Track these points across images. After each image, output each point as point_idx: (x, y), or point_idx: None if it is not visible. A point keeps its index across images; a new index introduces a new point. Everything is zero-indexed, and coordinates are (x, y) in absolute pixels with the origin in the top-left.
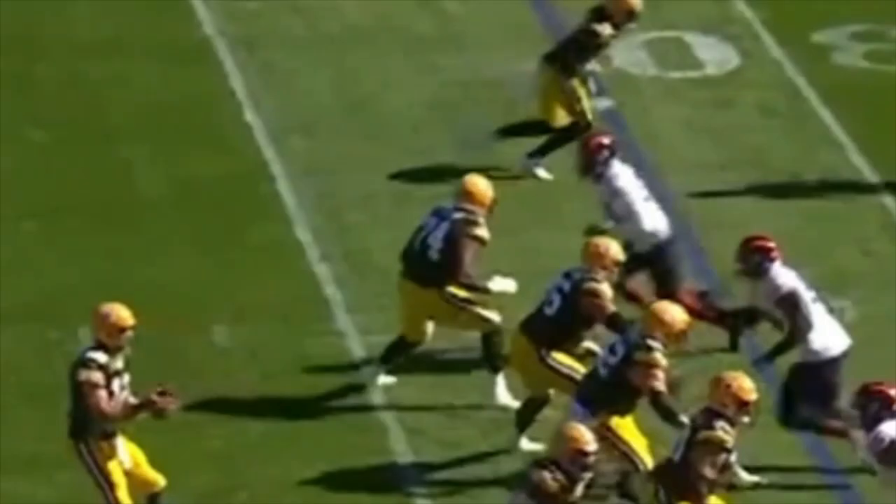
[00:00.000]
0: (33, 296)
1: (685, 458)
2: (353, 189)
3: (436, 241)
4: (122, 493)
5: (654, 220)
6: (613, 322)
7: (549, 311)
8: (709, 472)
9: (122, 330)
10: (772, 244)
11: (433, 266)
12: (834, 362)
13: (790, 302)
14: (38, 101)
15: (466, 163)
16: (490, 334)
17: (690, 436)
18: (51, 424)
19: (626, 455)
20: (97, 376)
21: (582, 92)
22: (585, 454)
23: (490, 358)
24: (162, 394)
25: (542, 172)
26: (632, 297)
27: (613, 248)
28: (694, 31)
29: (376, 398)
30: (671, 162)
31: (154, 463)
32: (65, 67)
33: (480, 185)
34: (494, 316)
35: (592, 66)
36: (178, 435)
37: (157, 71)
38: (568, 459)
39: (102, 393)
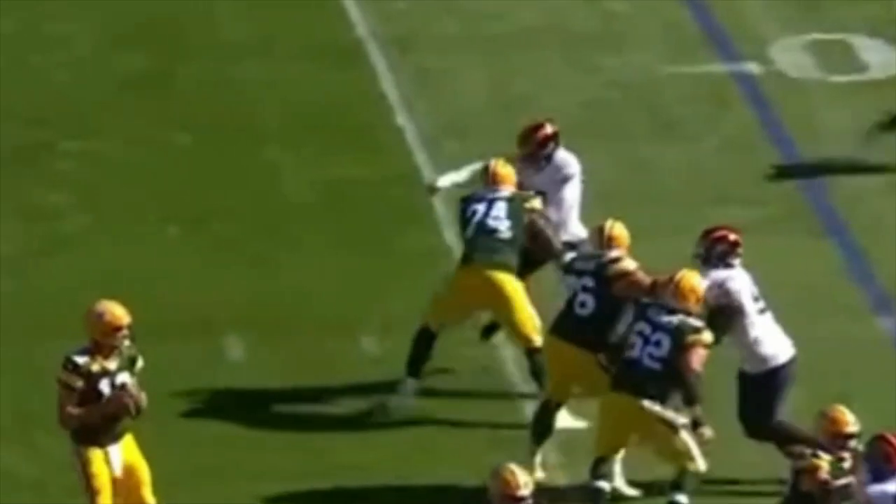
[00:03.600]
0: (177, 302)
1: (794, 489)
2: None
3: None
4: (102, 500)
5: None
6: (655, 290)
7: (584, 311)
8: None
9: (117, 329)
10: (737, 238)
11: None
12: (779, 371)
13: (727, 313)
14: (183, 104)
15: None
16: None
17: (794, 467)
18: (203, 433)
19: (688, 453)
20: (72, 379)
21: None
22: (516, 500)
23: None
24: (120, 393)
25: None
26: None
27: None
28: (859, 33)
29: (529, 412)
30: (832, 166)
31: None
32: (210, 69)
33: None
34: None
35: None
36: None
37: (305, 72)
38: (498, 502)
39: (72, 398)
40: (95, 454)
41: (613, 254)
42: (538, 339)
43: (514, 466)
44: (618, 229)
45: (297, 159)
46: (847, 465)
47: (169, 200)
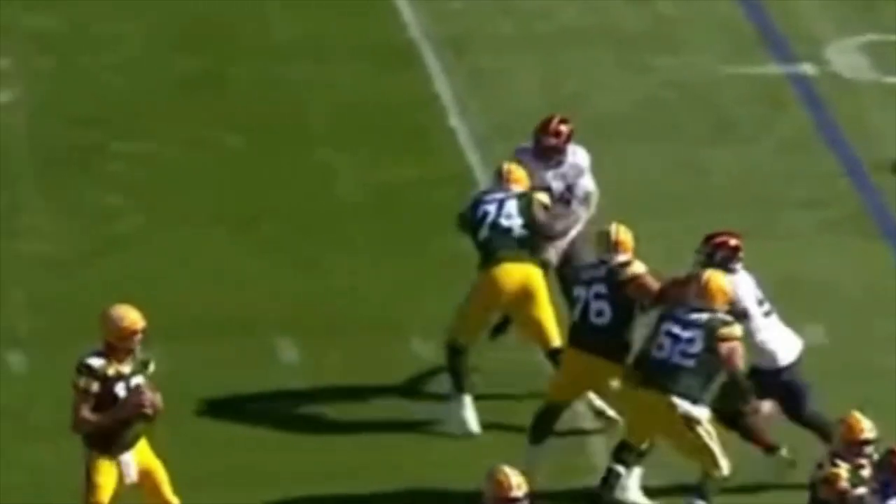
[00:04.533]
0: (227, 304)
1: (813, 497)
2: None
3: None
4: None
5: None
6: (665, 297)
7: (601, 320)
8: None
9: (134, 333)
10: (738, 243)
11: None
12: (788, 370)
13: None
14: (234, 105)
15: None
16: (556, 353)
17: (813, 476)
18: (252, 435)
19: (712, 456)
20: (88, 382)
21: None
22: (510, 501)
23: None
24: (136, 395)
25: None
26: None
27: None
28: None
29: (587, 423)
30: (887, 167)
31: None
32: (262, 70)
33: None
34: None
35: None
36: (378, 446)
37: (357, 73)
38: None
39: (87, 403)
40: (104, 465)
41: (621, 258)
42: (558, 339)
43: (507, 468)
44: (623, 233)
45: (348, 160)
46: (865, 473)
47: (220, 201)
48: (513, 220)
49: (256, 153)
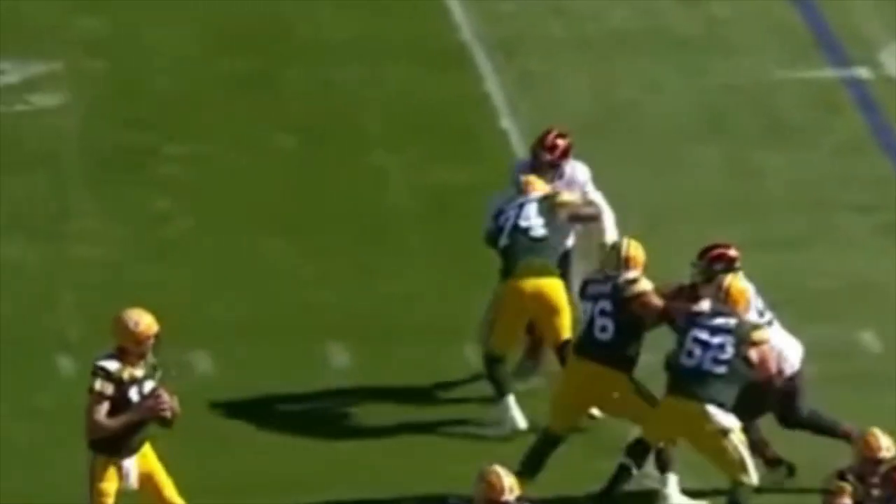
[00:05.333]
0: (277, 309)
1: None
2: (611, 200)
3: None
4: None
5: None
6: (669, 316)
7: (604, 336)
8: None
9: (149, 337)
10: (736, 254)
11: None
12: (791, 379)
13: None
14: (286, 106)
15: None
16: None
17: (823, 486)
18: (305, 439)
19: (742, 464)
20: (107, 387)
21: None
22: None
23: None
24: (155, 399)
25: None
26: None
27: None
28: None
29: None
30: None
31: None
32: (314, 71)
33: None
34: None
35: None
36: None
37: (408, 74)
38: None
39: (104, 406)
40: (108, 470)
41: (630, 275)
42: (569, 333)
43: (500, 469)
44: (633, 249)
45: (400, 162)
46: (877, 492)
47: (272, 204)
48: (531, 220)
49: (308, 155)
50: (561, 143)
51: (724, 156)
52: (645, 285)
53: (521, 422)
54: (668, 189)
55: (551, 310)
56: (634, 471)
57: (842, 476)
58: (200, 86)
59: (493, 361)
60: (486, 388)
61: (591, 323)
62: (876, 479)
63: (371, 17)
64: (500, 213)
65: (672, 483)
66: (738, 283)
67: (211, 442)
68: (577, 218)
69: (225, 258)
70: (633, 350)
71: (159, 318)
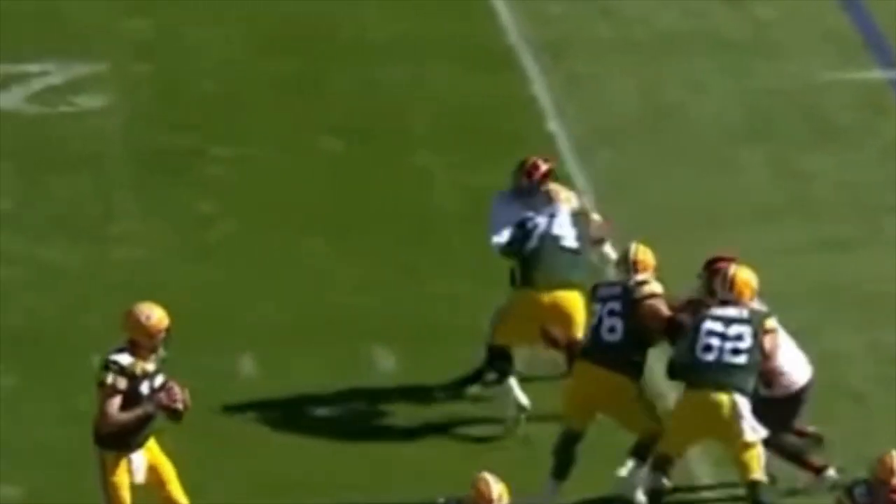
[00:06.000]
0: (323, 311)
1: None
2: (657, 201)
3: None
4: None
5: None
6: (675, 325)
7: (612, 337)
8: None
9: (160, 331)
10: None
11: None
12: (798, 394)
13: None
14: (332, 108)
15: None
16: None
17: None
18: (349, 447)
19: (760, 461)
20: (119, 381)
21: None
22: None
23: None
24: (167, 392)
25: None
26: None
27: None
28: None
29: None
30: None
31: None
32: (359, 72)
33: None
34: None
35: None
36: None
37: (454, 76)
38: None
39: (116, 400)
40: (118, 463)
41: (638, 277)
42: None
43: (489, 476)
44: (642, 253)
45: (445, 164)
46: None
47: (316, 206)
48: (564, 229)
49: (353, 156)
50: (543, 167)
51: (770, 157)
52: (655, 287)
53: (523, 399)
54: (714, 191)
55: (566, 319)
56: (666, 482)
57: (850, 493)
58: (245, 87)
59: (496, 351)
60: (527, 387)
61: (599, 323)
62: (883, 501)
63: (416, 17)
64: (527, 219)
65: (637, 472)
66: (742, 272)
67: (256, 445)
68: (598, 241)
69: (268, 260)
70: (640, 357)
71: (202, 320)
